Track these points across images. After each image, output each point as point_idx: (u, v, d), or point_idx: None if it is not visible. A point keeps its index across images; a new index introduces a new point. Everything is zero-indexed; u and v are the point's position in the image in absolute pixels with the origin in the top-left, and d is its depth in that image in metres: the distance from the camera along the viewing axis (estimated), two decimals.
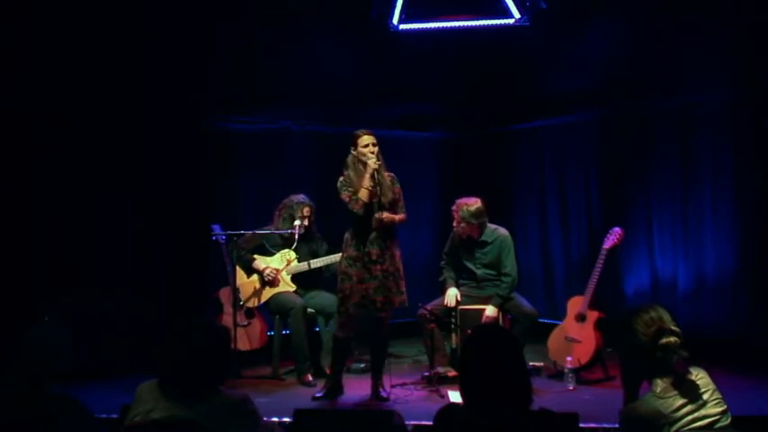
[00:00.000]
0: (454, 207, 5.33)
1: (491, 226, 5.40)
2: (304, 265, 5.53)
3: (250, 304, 5.55)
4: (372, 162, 4.58)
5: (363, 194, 4.58)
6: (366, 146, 4.64)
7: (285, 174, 6.68)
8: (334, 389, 4.82)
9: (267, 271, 5.48)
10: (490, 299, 5.23)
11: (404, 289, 4.70)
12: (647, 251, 6.24)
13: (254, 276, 5.56)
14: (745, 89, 5.67)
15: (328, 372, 5.27)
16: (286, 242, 5.57)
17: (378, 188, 4.60)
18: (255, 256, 5.56)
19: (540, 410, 2.34)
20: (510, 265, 5.30)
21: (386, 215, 4.59)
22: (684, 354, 2.54)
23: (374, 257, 4.60)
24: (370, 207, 4.61)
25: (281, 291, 5.50)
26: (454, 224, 5.37)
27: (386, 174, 4.73)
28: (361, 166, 4.65)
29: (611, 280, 6.12)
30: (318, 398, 4.76)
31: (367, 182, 4.58)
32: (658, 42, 5.96)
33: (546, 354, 5.36)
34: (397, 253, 4.70)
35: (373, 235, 4.62)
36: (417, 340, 5.76)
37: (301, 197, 5.56)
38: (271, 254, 5.58)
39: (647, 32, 6.00)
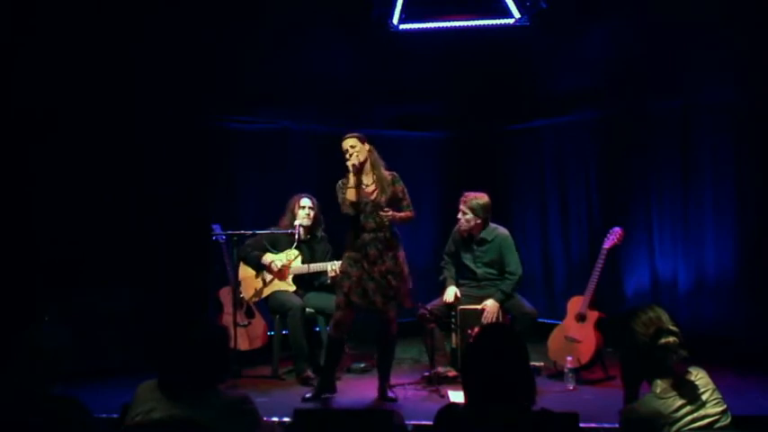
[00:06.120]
0: (463, 198, 5.32)
1: (491, 225, 5.41)
2: (304, 267, 5.53)
3: (250, 299, 5.55)
4: (349, 163, 4.60)
5: (349, 194, 4.62)
6: (345, 151, 4.66)
7: (285, 173, 6.68)
8: (324, 387, 4.74)
9: (272, 265, 5.47)
10: (490, 297, 5.24)
11: (405, 290, 4.66)
12: (647, 251, 6.24)
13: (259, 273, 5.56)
14: (745, 89, 5.66)
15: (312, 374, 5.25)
16: (289, 243, 5.56)
17: (362, 186, 4.62)
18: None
19: (540, 410, 2.34)
20: (514, 264, 5.31)
21: (389, 213, 4.58)
22: (683, 353, 2.54)
23: (372, 258, 4.59)
24: (359, 206, 4.63)
25: (280, 289, 5.50)
26: (459, 216, 5.34)
27: (386, 173, 4.72)
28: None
29: (611, 280, 6.12)
30: (308, 399, 4.69)
31: (350, 181, 4.62)
32: (658, 42, 5.96)
33: (546, 354, 5.35)
34: (401, 254, 4.67)
35: (370, 236, 4.62)
36: (417, 340, 5.76)
37: (303, 195, 5.59)
38: (274, 254, 5.58)
39: (647, 32, 5.99)
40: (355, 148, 4.64)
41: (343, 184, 4.69)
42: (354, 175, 4.59)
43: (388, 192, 4.64)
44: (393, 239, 4.66)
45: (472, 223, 5.31)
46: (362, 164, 4.64)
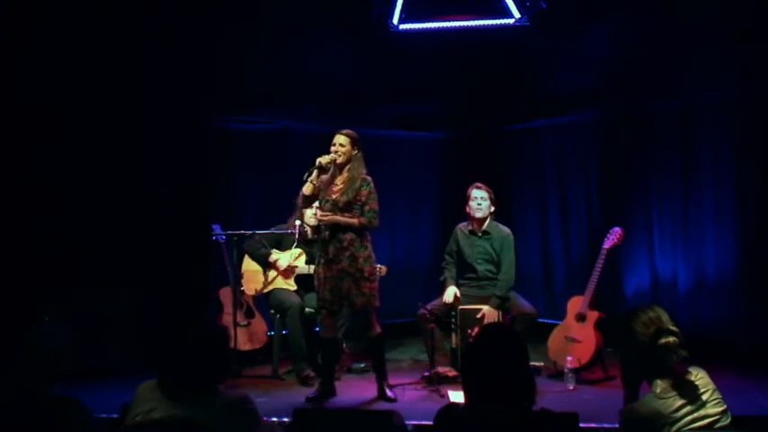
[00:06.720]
0: (477, 185, 5.41)
1: (494, 222, 5.45)
2: (305, 268, 5.52)
3: (250, 292, 5.54)
4: (318, 159, 4.61)
5: (305, 188, 4.66)
6: (333, 144, 4.68)
7: (286, 173, 6.66)
8: (326, 391, 4.73)
9: (278, 263, 5.47)
10: (490, 298, 5.24)
11: (367, 291, 4.56)
12: (647, 251, 6.24)
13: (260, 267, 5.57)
14: (745, 89, 5.66)
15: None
16: (291, 242, 5.53)
17: (332, 185, 4.64)
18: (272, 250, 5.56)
19: (540, 410, 2.34)
20: (507, 265, 5.33)
21: (320, 214, 4.61)
22: (683, 353, 2.54)
23: (330, 256, 4.60)
24: (314, 202, 4.70)
25: (280, 287, 5.50)
26: (475, 204, 5.37)
27: (361, 177, 4.65)
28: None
29: (611, 280, 6.12)
30: (312, 398, 4.69)
31: (312, 176, 4.63)
32: (658, 42, 5.96)
33: (546, 354, 5.35)
34: (362, 254, 4.58)
35: (329, 234, 4.63)
36: (417, 340, 5.76)
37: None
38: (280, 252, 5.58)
39: (648, 32, 6.00)
40: (344, 148, 4.66)
41: (308, 173, 4.65)
42: (317, 170, 4.61)
43: (350, 194, 4.60)
44: (354, 240, 4.59)
45: (489, 210, 5.37)
46: (339, 165, 4.66)
